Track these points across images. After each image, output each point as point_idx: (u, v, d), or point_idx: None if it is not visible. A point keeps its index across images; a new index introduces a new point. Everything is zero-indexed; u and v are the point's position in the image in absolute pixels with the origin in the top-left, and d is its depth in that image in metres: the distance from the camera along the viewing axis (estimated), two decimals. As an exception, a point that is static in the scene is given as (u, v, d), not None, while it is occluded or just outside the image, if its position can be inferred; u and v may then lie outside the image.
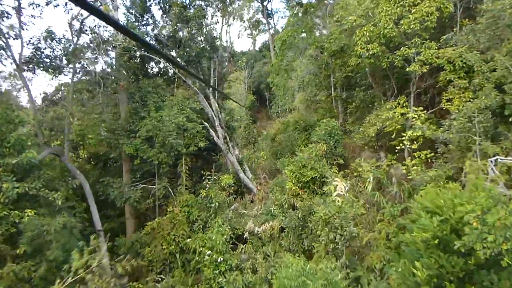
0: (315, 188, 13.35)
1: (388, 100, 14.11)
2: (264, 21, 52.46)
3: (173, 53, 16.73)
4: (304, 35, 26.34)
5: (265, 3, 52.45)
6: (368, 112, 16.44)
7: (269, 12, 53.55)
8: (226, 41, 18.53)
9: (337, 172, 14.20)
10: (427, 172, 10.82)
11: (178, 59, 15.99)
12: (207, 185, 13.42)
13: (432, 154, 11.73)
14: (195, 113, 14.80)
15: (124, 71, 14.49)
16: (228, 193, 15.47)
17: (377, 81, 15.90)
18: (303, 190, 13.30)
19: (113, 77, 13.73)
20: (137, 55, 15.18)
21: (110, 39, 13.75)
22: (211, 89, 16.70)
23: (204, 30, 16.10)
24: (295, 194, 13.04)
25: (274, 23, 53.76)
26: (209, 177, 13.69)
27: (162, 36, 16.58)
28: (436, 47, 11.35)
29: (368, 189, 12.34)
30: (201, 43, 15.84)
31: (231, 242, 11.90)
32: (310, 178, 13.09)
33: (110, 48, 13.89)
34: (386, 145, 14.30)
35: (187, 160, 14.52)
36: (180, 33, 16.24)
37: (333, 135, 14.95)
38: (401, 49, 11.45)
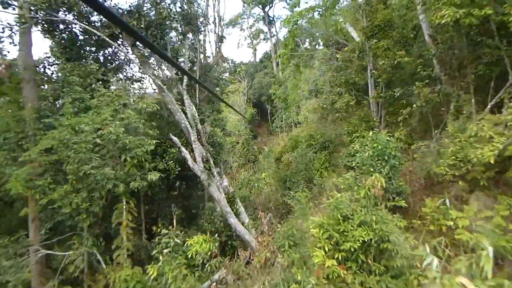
0: (368, 261, 6.96)
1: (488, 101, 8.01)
2: (265, 29, 48.77)
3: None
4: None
5: (266, 9, 48.86)
6: (438, 120, 10.35)
7: (271, 18, 49.83)
8: (214, 16, 12.62)
9: (400, 220, 7.87)
10: None
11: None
12: (161, 255, 7.06)
13: None
14: (149, 119, 8.66)
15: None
16: (211, 254, 9.11)
17: (450, 70, 9.90)
18: (345, 266, 6.92)
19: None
20: (60, 25, 9.30)
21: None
22: (184, 84, 10.65)
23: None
24: (332, 276, 6.64)
25: (276, 31, 49.70)
26: (166, 238, 7.36)
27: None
28: None
29: (486, 272, 5.98)
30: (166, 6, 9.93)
31: None
32: (360, 243, 6.75)
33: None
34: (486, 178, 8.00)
35: (131, 204, 8.19)
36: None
37: (386, 158, 8.72)
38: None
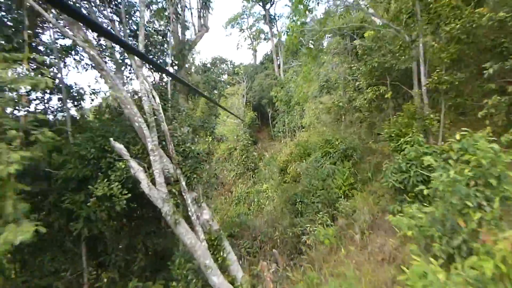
0: None
1: None
2: (266, 28, 45.72)
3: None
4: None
5: (267, 7, 45.80)
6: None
7: (272, 17, 46.70)
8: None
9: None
10: None
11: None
12: None
13: None
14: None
15: None
16: None
17: None
18: None
19: None
20: None
21: None
22: (138, 59, 6.67)
23: None
24: None
25: (277, 30, 46.46)
26: None
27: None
28: None
29: None
30: None
31: None
32: None
33: None
34: None
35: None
36: None
37: (495, 182, 4.69)
38: None
